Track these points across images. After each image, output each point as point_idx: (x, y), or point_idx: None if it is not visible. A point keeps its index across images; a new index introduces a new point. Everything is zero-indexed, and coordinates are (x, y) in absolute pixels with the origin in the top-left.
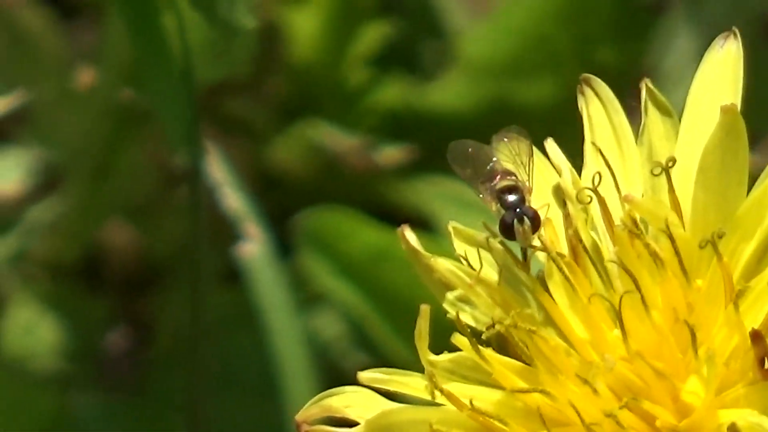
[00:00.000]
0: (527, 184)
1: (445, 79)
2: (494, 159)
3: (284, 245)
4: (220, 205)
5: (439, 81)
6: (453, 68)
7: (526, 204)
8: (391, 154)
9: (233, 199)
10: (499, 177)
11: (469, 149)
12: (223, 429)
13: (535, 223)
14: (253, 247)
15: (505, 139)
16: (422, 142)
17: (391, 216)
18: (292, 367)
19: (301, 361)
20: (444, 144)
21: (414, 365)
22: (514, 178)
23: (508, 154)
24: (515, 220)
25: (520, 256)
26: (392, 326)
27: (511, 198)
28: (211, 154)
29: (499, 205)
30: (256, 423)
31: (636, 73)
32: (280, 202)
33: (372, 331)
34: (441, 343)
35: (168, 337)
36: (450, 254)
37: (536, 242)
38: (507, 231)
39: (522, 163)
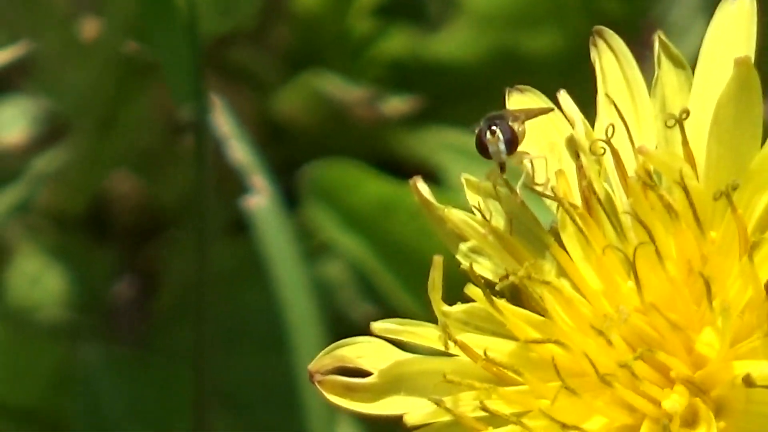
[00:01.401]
0: (520, 117)
1: (451, 29)
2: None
3: (290, 197)
4: (225, 157)
5: (445, 31)
6: (458, 18)
7: (506, 122)
8: (397, 104)
9: (239, 150)
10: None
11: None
12: (229, 380)
13: (511, 139)
14: (260, 198)
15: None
16: (428, 93)
17: (397, 167)
18: (299, 317)
19: (308, 311)
20: (450, 94)
21: (420, 315)
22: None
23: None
24: (487, 133)
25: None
26: (398, 277)
27: (490, 116)
28: (216, 106)
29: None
30: (263, 374)
31: (642, 24)
32: (286, 153)
33: (378, 281)
34: (451, 295)
35: (174, 289)
36: (459, 205)
37: (548, 192)
38: (480, 147)
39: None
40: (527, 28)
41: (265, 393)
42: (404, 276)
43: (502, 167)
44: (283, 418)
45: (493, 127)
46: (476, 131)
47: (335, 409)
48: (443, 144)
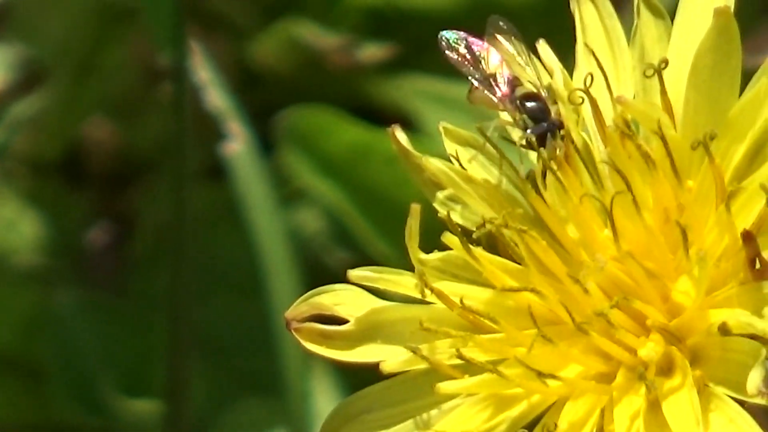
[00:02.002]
0: (543, 93)
1: None
2: (498, 59)
3: (267, 143)
4: (203, 103)
5: None
6: None
7: (553, 115)
8: (373, 51)
9: (216, 97)
10: (510, 82)
11: (464, 38)
12: (205, 325)
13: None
14: (236, 144)
15: (500, 38)
16: (404, 40)
17: (373, 114)
18: (274, 262)
19: (283, 256)
20: (426, 42)
21: (394, 260)
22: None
23: (508, 54)
24: (549, 134)
25: (524, 162)
26: (373, 223)
27: (536, 104)
28: (194, 52)
29: (523, 113)
30: (238, 319)
31: None
32: (263, 99)
33: (353, 227)
34: (427, 243)
35: (150, 234)
36: (435, 153)
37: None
38: (540, 142)
39: (524, 64)
40: None
41: (240, 338)
42: (379, 222)
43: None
44: (259, 363)
45: (553, 126)
46: (534, 128)
47: (310, 356)
48: (419, 91)
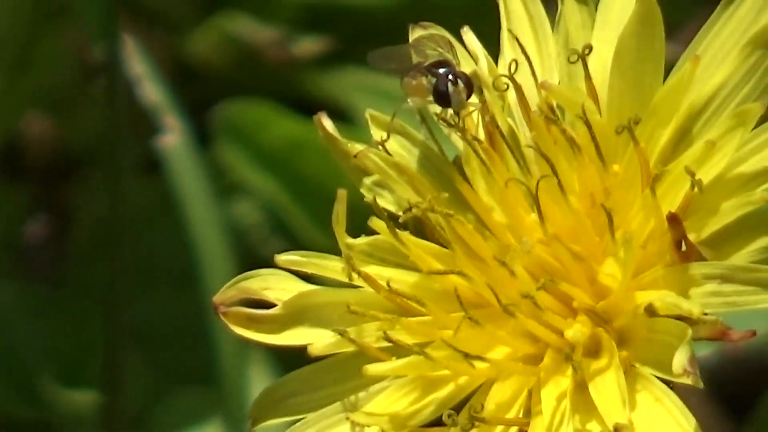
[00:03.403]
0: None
1: None
2: (419, 53)
3: (203, 136)
4: (138, 97)
5: None
6: None
7: (462, 72)
8: (308, 45)
9: (151, 90)
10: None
11: (390, 50)
12: (142, 318)
13: (469, 85)
14: (172, 137)
15: (424, 34)
16: (339, 34)
17: (309, 107)
18: (210, 255)
19: (219, 249)
20: (361, 36)
21: (330, 251)
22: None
23: (431, 47)
24: (449, 84)
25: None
26: (309, 214)
27: (443, 68)
28: (129, 46)
29: (430, 76)
30: (175, 312)
31: None
32: (198, 93)
33: (289, 219)
34: (359, 230)
35: (87, 228)
36: (367, 142)
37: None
38: (442, 97)
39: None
40: None
41: (177, 330)
42: (314, 213)
43: (458, 114)
44: (195, 354)
45: (454, 76)
46: (434, 84)
47: (246, 346)
48: (354, 84)
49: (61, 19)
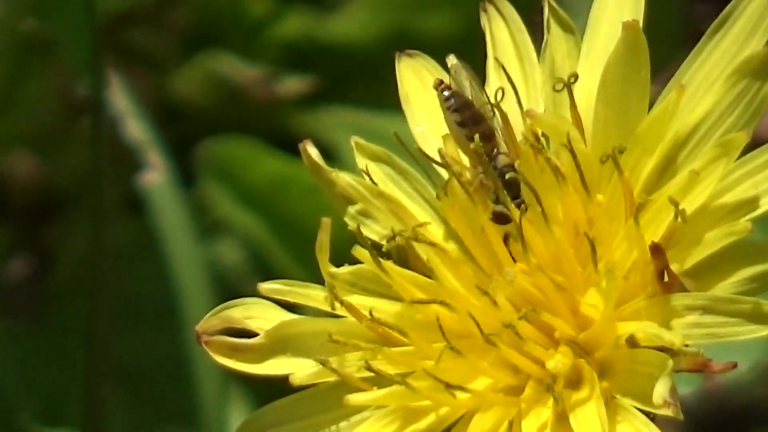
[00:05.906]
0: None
1: (346, 12)
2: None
3: (186, 174)
4: (122, 135)
5: (340, 13)
6: (353, 1)
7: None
8: (293, 85)
9: (135, 128)
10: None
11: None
12: (123, 355)
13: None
14: (155, 175)
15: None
16: (323, 74)
17: (293, 146)
18: (191, 293)
19: (200, 287)
20: (345, 75)
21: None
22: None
23: (465, 76)
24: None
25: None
26: (292, 253)
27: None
28: (113, 85)
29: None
30: (156, 349)
31: None
32: (182, 132)
33: (272, 257)
34: (342, 262)
35: (69, 266)
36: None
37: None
38: (501, 220)
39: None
40: (421, 9)
41: (157, 368)
42: (297, 252)
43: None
44: (176, 392)
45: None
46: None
47: (227, 384)
48: (337, 123)
49: (45, 57)
